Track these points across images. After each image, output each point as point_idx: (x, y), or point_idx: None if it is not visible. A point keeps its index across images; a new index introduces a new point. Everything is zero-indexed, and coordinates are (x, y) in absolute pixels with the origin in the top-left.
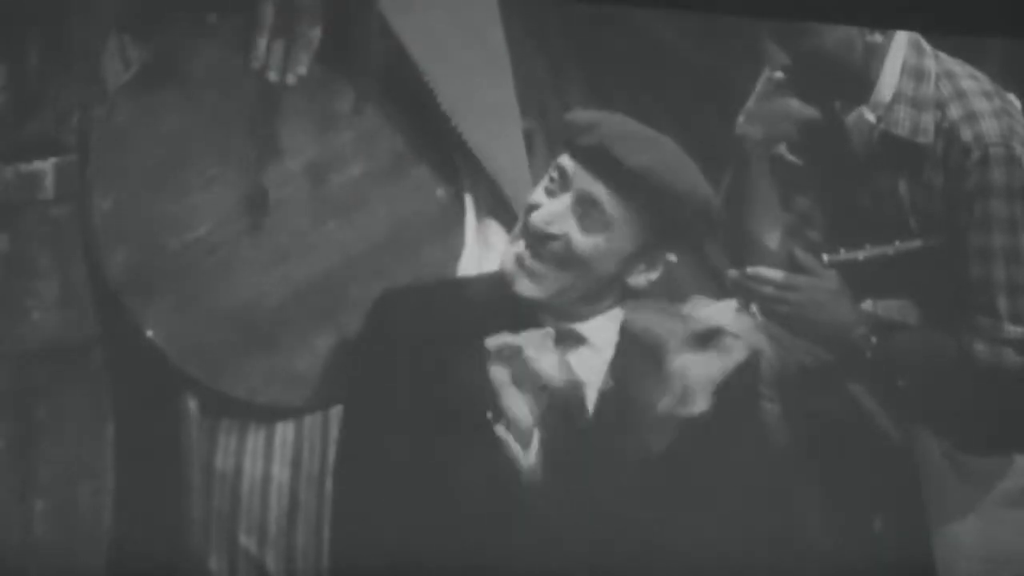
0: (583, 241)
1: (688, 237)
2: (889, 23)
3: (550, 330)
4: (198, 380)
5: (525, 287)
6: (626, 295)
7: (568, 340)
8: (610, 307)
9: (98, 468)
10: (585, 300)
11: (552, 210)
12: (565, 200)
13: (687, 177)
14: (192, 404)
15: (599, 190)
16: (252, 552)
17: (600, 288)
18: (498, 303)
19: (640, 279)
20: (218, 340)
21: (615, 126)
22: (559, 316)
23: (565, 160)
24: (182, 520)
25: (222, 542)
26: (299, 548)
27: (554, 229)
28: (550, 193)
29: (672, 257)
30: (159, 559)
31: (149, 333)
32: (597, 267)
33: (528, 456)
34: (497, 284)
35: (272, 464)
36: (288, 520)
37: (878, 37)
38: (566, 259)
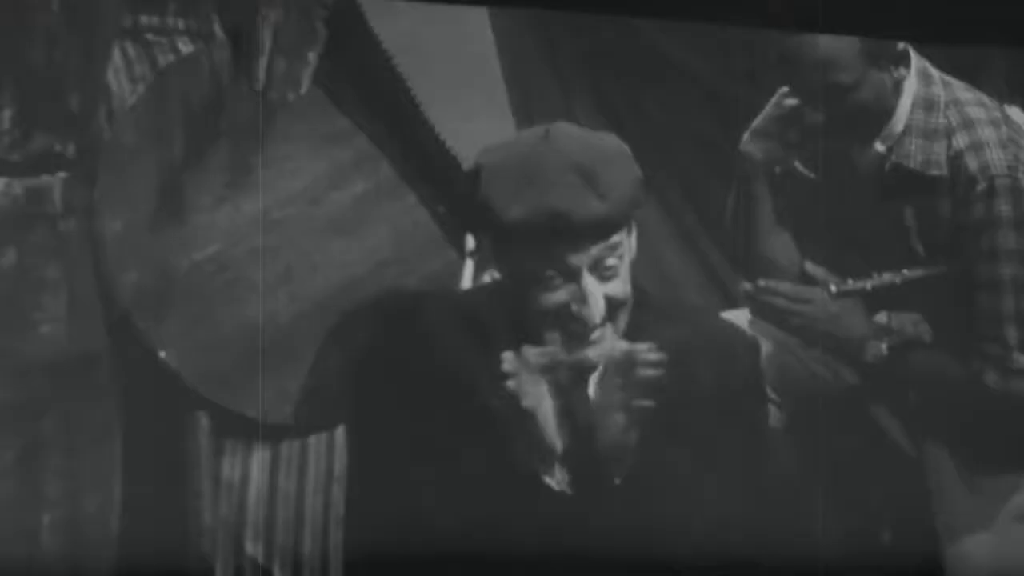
0: (620, 288)
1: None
2: (894, 34)
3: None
4: (211, 400)
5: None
6: None
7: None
8: None
9: (105, 481)
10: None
11: (587, 315)
12: (590, 285)
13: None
14: (203, 419)
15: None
16: (259, 560)
17: None
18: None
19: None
20: (229, 360)
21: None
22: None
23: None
24: (189, 530)
25: (229, 551)
26: (305, 556)
27: (600, 320)
28: (557, 290)
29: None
30: (166, 569)
31: (162, 354)
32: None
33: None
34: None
35: (278, 474)
36: (294, 529)
37: (903, 71)
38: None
